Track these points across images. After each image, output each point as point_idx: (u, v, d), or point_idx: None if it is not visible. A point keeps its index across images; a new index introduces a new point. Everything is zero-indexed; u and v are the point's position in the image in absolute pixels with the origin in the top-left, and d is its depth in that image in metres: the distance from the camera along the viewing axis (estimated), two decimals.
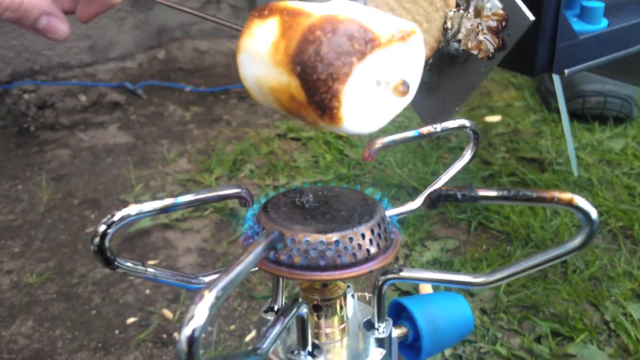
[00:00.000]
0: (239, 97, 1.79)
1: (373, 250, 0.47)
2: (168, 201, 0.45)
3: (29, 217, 1.27)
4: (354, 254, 0.46)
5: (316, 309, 0.52)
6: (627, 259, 1.07)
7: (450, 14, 0.80)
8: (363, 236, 0.47)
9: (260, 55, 0.45)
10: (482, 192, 0.46)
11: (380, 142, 0.54)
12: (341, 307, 0.52)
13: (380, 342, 0.51)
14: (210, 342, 0.94)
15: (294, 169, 1.39)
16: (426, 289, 0.98)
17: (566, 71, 0.89)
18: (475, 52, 0.82)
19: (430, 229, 1.17)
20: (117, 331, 0.97)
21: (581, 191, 1.26)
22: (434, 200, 0.47)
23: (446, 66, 0.87)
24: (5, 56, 1.76)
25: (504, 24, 0.79)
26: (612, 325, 0.93)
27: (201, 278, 0.49)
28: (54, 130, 1.64)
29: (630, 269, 1.04)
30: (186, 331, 0.34)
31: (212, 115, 1.69)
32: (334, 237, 0.46)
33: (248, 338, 0.94)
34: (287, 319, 0.45)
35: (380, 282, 0.50)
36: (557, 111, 1.55)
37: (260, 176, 1.38)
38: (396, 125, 1.55)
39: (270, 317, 0.54)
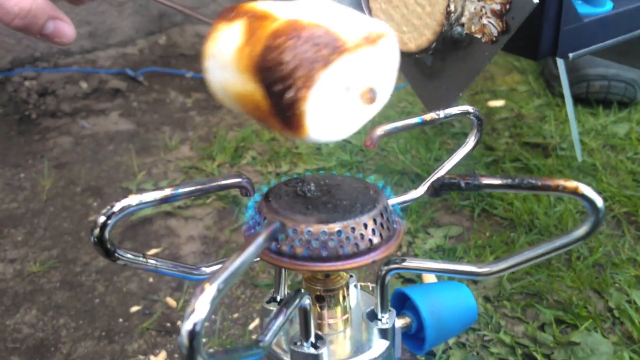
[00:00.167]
0: None
1: (376, 240, 0.47)
2: (168, 191, 0.44)
3: (32, 205, 1.26)
4: (356, 244, 0.46)
5: (319, 299, 0.51)
6: (631, 245, 1.06)
7: None
8: (365, 226, 0.46)
9: (225, 61, 0.43)
10: (486, 181, 0.45)
11: (382, 130, 0.53)
12: (344, 298, 0.52)
13: (383, 333, 0.51)
14: (213, 331, 0.94)
15: (296, 155, 1.39)
16: (430, 277, 0.97)
17: (570, 55, 0.88)
18: (478, 35, 0.81)
19: (434, 215, 1.16)
20: (120, 320, 0.97)
21: (585, 176, 1.26)
22: (437, 189, 0.47)
23: (449, 51, 0.86)
24: (5, 43, 1.75)
25: (507, 7, 0.78)
26: (616, 313, 0.92)
27: (203, 269, 0.49)
28: (56, 117, 1.63)
29: (634, 255, 1.03)
30: (187, 325, 0.33)
31: (213, 102, 1.69)
32: (336, 227, 0.45)
33: (251, 326, 0.94)
34: (290, 310, 0.45)
35: (383, 272, 0.50)
36: (561, 95, 1.54)
37: (262, 163, 1.37)
38: (399, 110, 1.54)
39: (273, 307, 0.54)
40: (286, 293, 0.55)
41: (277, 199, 0.49)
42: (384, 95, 0.45)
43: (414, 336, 0.55)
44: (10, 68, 1.76)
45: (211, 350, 0.89)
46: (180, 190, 0.44)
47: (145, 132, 1.55)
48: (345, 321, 0.53)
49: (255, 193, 0.50)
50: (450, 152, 1.40)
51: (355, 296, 0.56)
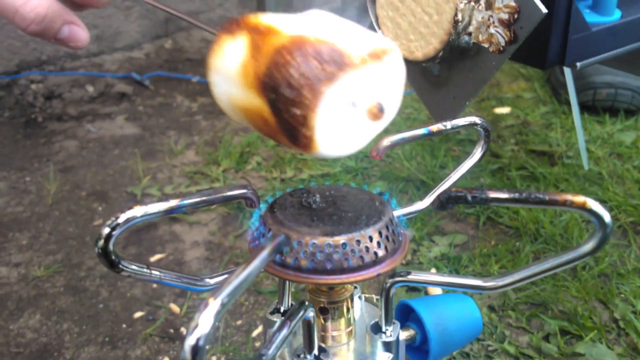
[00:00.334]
0: None
1: (381, 253, 0.46)
2: (174, 203, 0.44)
3: (37, 209, 1.27)
4: (361, 257, 0.45)
5: (323, 311, 0.51)
6: (637, 256, 1.06)
7: (461, 5, 0.78)
8: (371, 239, 0.46)
9: (231, 76, 0.43)
10: (493, 194, 0.45)
11: (389, 141, 0.53)
12: (348, 310, 0.52)
13: (387, 346, 0.51)
14: (217, 338, 0.93)
15: (301, 161, 1.38)
16: (435, 288, 0.97)
17: (578, 64, 0.87)
18: (486, 45, 0.81)
19: (439, 223, 1.16)
20: (124, 325, 0.97)
21: (591, 185, 1.25)
22: (443, 202, 0.46)
23: (456, 60, 0.85)
24: (12, 46, 1.75)
25: (515, 16, 0.77)
26: (621, 324, 0.92)
27: (206, 280, 0.49)
28: (62, 121, 1.63)
29: None
30: (190, 340, 0.33)
31: (219, 107, 1.68)
32: (341, 239, 0.45)
33: (255, 333, 0.94)
34: (294, 322, 0.44)
35: (388, 285, 0.50)
36: (568, 103, 1.53)
37: (267, 169, 1.37)
38: (404, 117, 1.54)
39: (276, 318, 0.54)
40: (290, 304, 0.55)
41: (282, 210, 0.49)
42: (392, 110, 0.45)
43: (418, 348, 0.55)
44: (17, 71, 1.77)
45: (214, 359, 0.89)
46: (186, 202, 0.44)
47: (150, 137, 1.55)
48: (349, 333, 0.53)
49: (260, 204, 0.50)
50: (456, 159, 1.40)
51: (359, 308, 0.56)
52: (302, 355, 0.48)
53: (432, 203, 0.58)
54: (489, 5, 0.78)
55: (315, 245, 0.45)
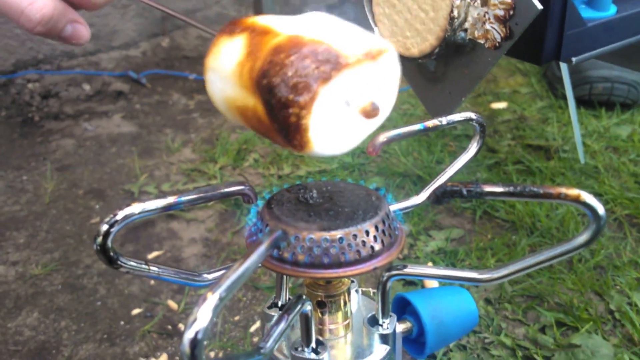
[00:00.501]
0: None
1: (377, 247, 0.47)
2: (171, 199, 0.44)
3: (34, 208, 1.27)
4: (358, 251, 0.46)
5: (320, 305, 0.52)
6: (632, 248, 1.06)
7: (457, 2, 0.79)
8: (367, 233, 0.46)
9: (226, 75, 0.43)
10: (488, 188, 0.45)
11: (385, 137, 0.53)
12: (345, 303, 0.52)
13: (384, 338, 0.51)
14: (215, 333, 0.94)
15: (298, 158, 1.39)
16: (431, 281, 0.97)
17: (574, 59, 0.88)
18: (481, 41, 0.81)
19: (435, 218, 1.16)
20: (122, 322, 0.97)
21: (587, 179, 1.26)
22: (439, 197, 0.47)
23: (452, 56, 0.86)
24: (8, 45, 1.75)
25: (511, 12, 0.78)
26: (617, 315, 0.92)
27: (204, 275, 0.49)
28: (59, 120, 1.63)
29: (635, 258, 1.03)
30: (189, 334, 0.33)
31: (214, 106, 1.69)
32: (337, 234, 0.46)
33: (252, 329, 0.95)
34: (291, 316, 0.45)
35: (385, 279, 0.50)
36: (564, 97, 1.54)
37: (265, 165, 1.37)
38: (401, 113, 1.54)
39: (274, 313, 0.54)
40: (287, 298, 0.55)
41: (279, 205, 0.49)
42: (386, 109, 0.45)
43: (415, 341, 0.55)
44: (13, 70, 1.77)
45: (212, 354, 0.90)
46: (183, 199, 0.44)
47: (147, 135, 1.55)
48: (347, 326, 0.53)
49: (257, 200, 0.50)
50: (453, 154, 1.40)
51: (356, 301, 0.56)
52: (300, 349, 0.48)
53: (428, 197, 0.58)
54: (485, 2, 0.78)
55: (313, 240, 0.45)
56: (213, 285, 0.35)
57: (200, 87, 1.79)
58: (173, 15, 0.56)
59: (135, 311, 0.99)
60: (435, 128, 0.57)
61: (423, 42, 0.83)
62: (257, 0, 1.71)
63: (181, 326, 0.96)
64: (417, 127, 0.55)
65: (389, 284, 0.50)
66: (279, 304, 0.55)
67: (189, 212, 1.22)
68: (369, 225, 0.47)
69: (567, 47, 0.86)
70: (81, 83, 1.76)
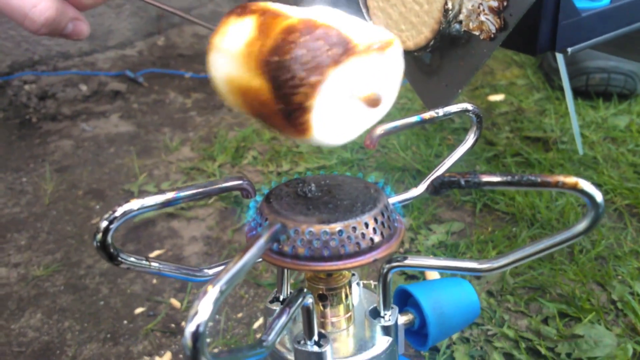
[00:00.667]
0: None
1: (377, 239, 0.47)
2: (170, 195, 0.45)
3: (34, 209, 1.27)
4: (357, 244, 0.46)
5: (321, 298, 0.52)
6: (633, 238, 1.07)
7: None
8: (366, 225, 0.46)
9: (233, 55, 0.43)
10: (486, 178, 0.45)
11: (382, 129, 0.53)
12: (346, 296, 0.52)
13: (386, 330, 0.51)
14: (218, 331, 0.94)
15: (297, 154, 1.39)
16: (433, 274, 0.97)
17: (569, 50, 0.88)
18: (476, 33, 0.81)
19: (436, 211, 1.17)
20: (125, 321, 0.97)
21: (586, 170, 1.26)
22: (437, 187, 0.47)
23: (448, 48, 0.86)
24: (4, 47, 1.75)
25: (505, 3, 0.78)
26: (619, 305, 0.92)
27: (205, 271, 0.49)
28: (56, 121, 1.63)
29: (636, 247, 1.04)
30: (191, 327, 0.33)
31: (213, 102, 1.69)
32: (337, 226, 0.46)
33: (256, 325, 0.95)
34: (293, 309, 0.45)
35: (385, 270, 0.50)
36: (561, 89, 1.54)
37: (263, 163, 1.37)
38: (399, 107, 1.54)
39: (276, 307, 0.54)
40: (289, 292, 0.55)
41: (278, 200, 0.49)
42: (388, 102, 0.46)
43: (417, 332, 0.56)
44: (9, 72, 1.77)
45: (215, 350, 0.90)
46: (182, 194, 0.45)
47: (145, 134, 1.55)
48: (348, 319, 0.53)
49: (256, 195, 0.50)
50: (451, 147, 1.40)
51: (357, 294, 0.56)
52: (302, 342, 0.48)
53: (426, 189, 0.58)
54: None
55: (312, 233, 0.45)
56: (214, 278, 0.35)
57: (196, 85, 1.79)
58: (169, 11, 0.56)
59: (138, 310, 0.99)
60: (431, 120, 0.57)
61: (418, 35, 0.83)
62: None
63: (184, 324, 0.96)
64: (413, 119, 0.55)
65: (389, 276, 0.51)
66: (281, 298, 0.55)
67: (190, 211, 1.22)
68: (368, 218, 0.47)
69: (562, 38, 0.86)
70: (78, 83, 1.76)
